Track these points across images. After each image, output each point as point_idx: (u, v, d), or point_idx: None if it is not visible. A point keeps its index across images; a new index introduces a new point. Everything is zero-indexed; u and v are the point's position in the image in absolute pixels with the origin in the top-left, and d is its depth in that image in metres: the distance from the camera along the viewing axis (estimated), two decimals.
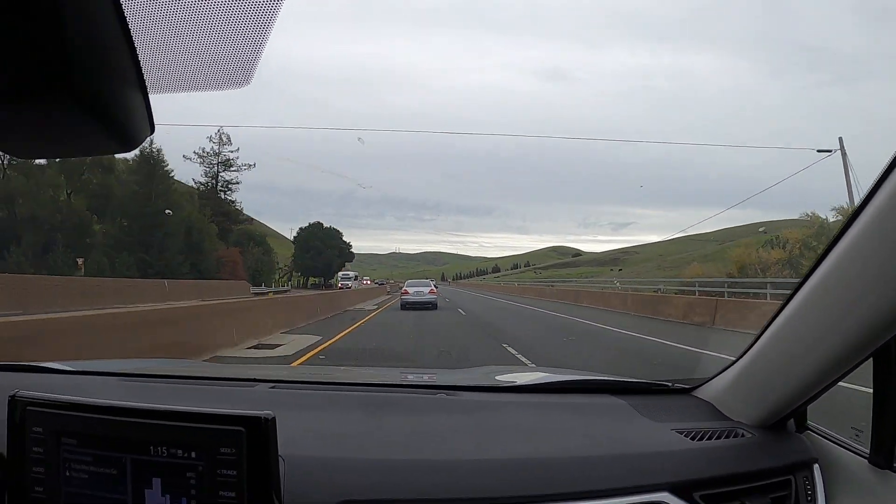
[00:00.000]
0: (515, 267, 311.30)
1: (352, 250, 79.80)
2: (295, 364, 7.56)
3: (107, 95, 0.48)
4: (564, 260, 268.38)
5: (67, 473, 0.84)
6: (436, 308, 19.62)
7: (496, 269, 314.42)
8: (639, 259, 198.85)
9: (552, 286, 44.28)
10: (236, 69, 0.61)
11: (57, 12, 0.41)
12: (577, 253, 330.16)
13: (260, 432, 0.80)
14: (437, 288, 22.98)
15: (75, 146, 0.57)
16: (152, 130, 0.55)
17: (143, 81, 0.51)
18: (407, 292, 20.64)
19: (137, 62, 0.49)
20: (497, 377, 1.82)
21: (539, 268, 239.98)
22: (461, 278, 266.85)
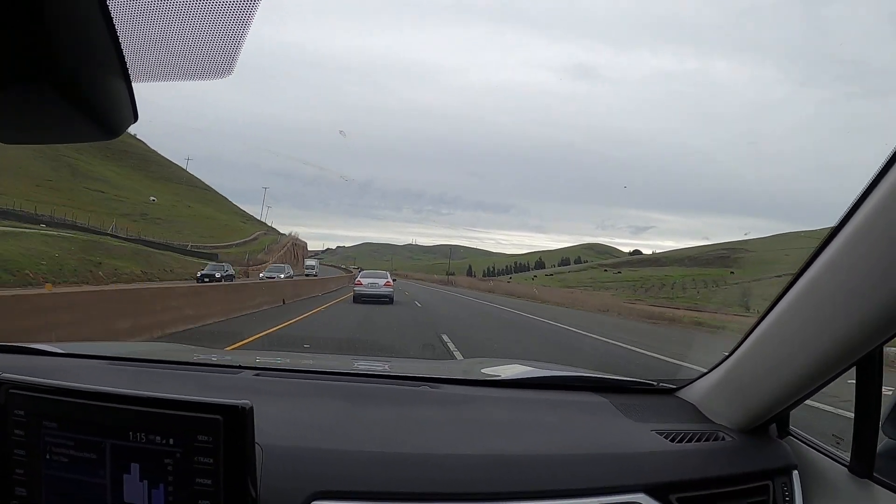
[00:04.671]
0: (565, 262, 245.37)
1: None
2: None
3: (89, 83, 0.48)
4: (636, 257, 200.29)
5: (48, 457, 0.84)
6: (392, 302, 18.30)
7: (540, 265, 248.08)
8: (756, 259, 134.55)
9: None
10: (218, 59, 0.61)
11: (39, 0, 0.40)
12: (636, 251, 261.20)
13: (237, 421, 0.79)
14: (393, 281, 20.26)
15: (59, 133, 0.56)
16: (136, 119, 0.55)
17: (126, 70, 0.50)
18: (360, 283, 18.97)
19: (120, 50, 0.49)
20: (482, 370, 1.79)
21: (607, 265, 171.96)
22: (492, 274, 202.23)
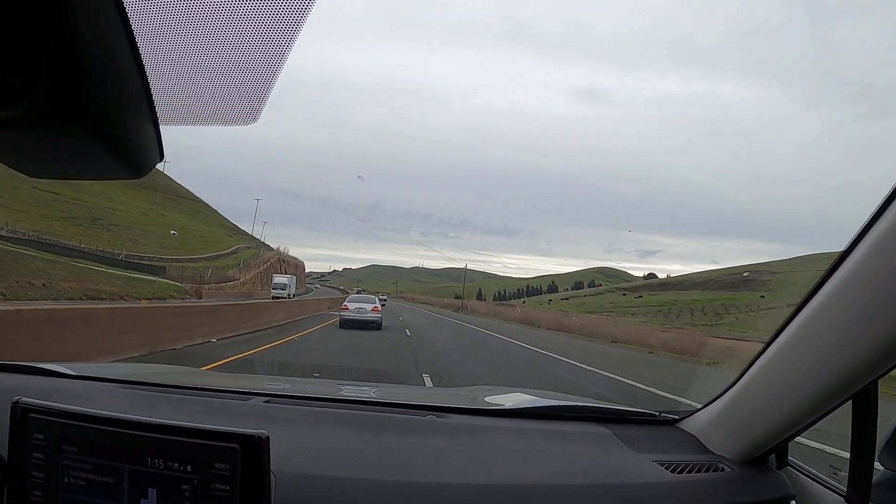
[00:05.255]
0: (578, 286, 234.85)
1: None
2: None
3: (119, 124, 0.49)
4: (654, 281, 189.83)
5: (66, 480, 0.86)
6: (380, 328, 17.52)
7: (553, 289, 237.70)
8: (784, 282, 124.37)
9: None
10: (244, 107, 0.62)
11: (74, 45, 0.42)
12: (651, 274, 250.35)
13: (254, 450, 0.81)
14: (381, 306, 19.33)
15: (87, 170, 0.57)
16: (161, 158, 0.56)
17: (155, 113, 0.52)
18: (347, 308, 18.11)
19: (150, 94, 0.50)
20: (486, 398, 1.83)
21: (626, 289, 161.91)
22: (503, 298, 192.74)
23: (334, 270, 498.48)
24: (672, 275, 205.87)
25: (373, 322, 17.61)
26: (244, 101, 0.61)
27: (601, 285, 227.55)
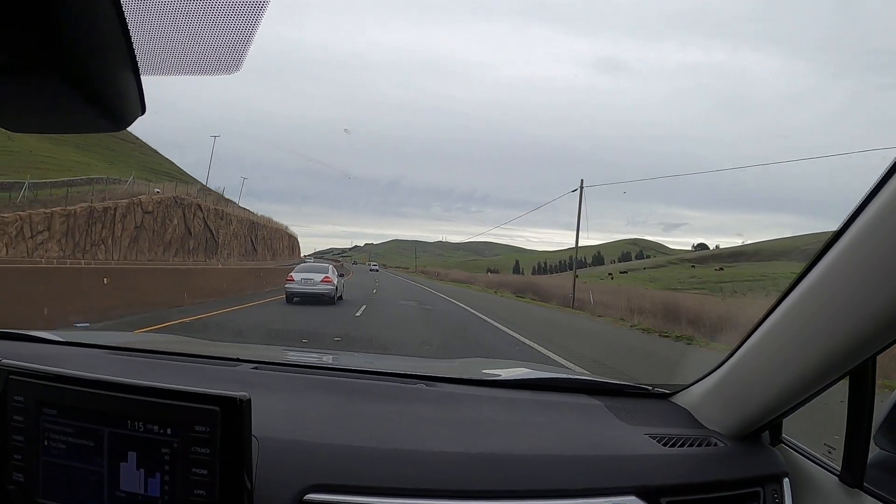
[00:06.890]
0: (626, 258, 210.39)
1: None
2: None
3: (98, 74, 0.47)
4: (720, 251, 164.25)
5: (46, 443, 0.84)
6: (333, 302, 15.31)
7: (598, 260, 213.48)
8: None
9: None
10: (227, 55, 0.61)
11: None
12: (702, 244, 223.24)
13: (234, 413, 0.80)
14: (334, 277, 15.93)
15: (67, 123, 0.56)
16: (143, 111, 0.55)
17: (136, 62, 0.50)
18: (292, 279, 15.60)
19: (130, 43, 0.48)
20: (482, 370, 1.81)
21: (691, 261, 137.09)
22: (543, 272, 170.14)
23: (355, 246, 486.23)
24: (721, 246, 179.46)
25: (323, 295, 15.21)
26: (227, 49, 0.60)
27: (648, 257, 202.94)
